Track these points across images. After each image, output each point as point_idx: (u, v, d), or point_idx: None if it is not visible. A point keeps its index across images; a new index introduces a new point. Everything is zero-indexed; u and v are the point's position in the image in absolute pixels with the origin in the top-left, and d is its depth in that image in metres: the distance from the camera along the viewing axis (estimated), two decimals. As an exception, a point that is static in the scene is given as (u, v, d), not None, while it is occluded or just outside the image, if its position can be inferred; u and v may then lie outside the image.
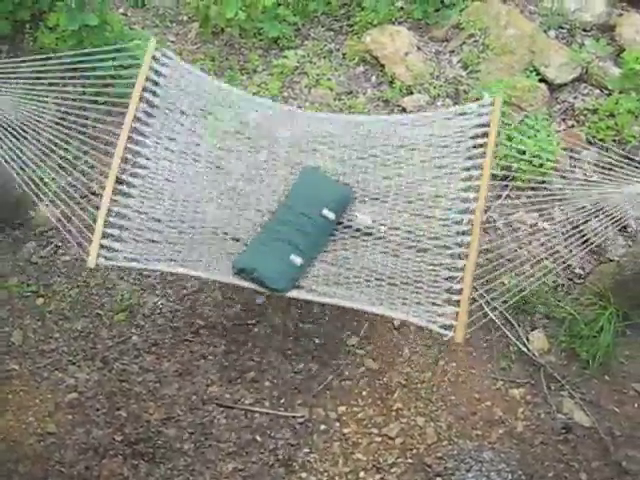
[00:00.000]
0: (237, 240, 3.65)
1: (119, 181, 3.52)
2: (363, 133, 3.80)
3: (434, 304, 3.27)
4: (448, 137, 3.61)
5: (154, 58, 3.72)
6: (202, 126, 3.79)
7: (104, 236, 3.43)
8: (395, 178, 3.69)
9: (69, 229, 3.50)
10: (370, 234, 3.63)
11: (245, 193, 3.75)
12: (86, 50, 3.75)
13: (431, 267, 3.40)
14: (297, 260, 3.48)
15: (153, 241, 3.52)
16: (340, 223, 3.69)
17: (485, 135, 3.48)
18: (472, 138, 3.53)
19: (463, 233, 3.38)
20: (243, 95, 3.96)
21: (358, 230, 3.66)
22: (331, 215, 3.62)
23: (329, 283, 3.50)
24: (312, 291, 3.46)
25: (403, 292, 3.38)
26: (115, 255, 3.41)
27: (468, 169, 3.49)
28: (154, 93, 3.69)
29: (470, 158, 3.51)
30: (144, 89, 3.66)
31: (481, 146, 3.49)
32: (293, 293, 3.45)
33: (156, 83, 3.70)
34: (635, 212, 3.47)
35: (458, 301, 3.19)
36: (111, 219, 3.46)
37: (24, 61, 3.63)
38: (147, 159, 3.63)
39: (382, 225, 3.63)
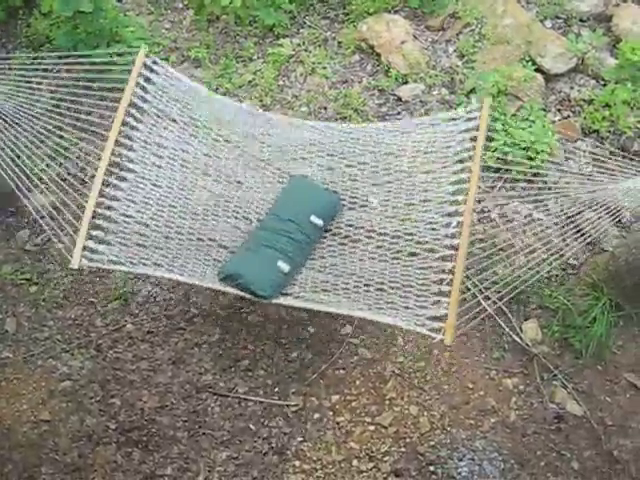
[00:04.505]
0: (224, 247, 3.65)
1: (106, 184, 3.50)
2: (351, 141, 3.81)
3: (423, 307, 3.25)
4: (436, 142, 3.63)
5: (144, 65, 3.71)
6: (191, 133, 3.80)
7: (89, 237, 3.39)
8: (384, 185, 3.70)
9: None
10: (358, 240, 3.63)
11: (233, 201, 3.75)
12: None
13: (420, 271, 3.39)
14: (284, 267, 3.48)
15: (139, 245, 3.51)
16: (328, 230, 3.69)
17: (473, 139, 3.48)
18: (460, 142, 3.54)
19: (452, 236, 3.37)
20: (233, 104, 3.96)
21: (346, 237, 3.66)
22: (319, 222, 3.62)
23: (317, 290, 3.50)
24: (299, 298, 3.46)
25: (391, 297, 3.37)
26: (99, 257, 3.38)
27: (456, 173, 3.50)
28: (143, 99, 3.69)
29: (459, 162, 3.52)
30: (133, 94, 3.65)
31: (469, 150, 3.49)
32: (279, 300, 3.45)
33: (145, 90, 3.70)
34: (630, 204, 3.46)
35: (447, 303, 3.16)
36: (96, 221, 3.43)
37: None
38: (134, 163, 3.62)
39: (371, 231, 3.62)
